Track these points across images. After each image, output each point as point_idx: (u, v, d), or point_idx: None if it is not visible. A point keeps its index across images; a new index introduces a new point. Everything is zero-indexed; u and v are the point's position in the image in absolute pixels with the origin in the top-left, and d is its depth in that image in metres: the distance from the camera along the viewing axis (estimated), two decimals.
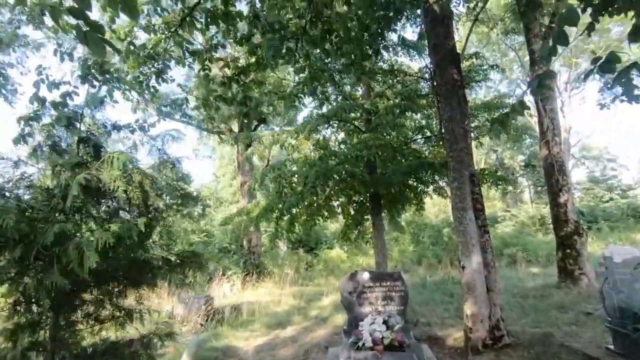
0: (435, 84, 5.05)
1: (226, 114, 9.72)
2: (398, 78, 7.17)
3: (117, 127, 2.95)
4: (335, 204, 8.76)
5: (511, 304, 7.23)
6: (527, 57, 9.60)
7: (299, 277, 14.38)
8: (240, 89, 3.92)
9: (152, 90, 3.82)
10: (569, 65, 24.97)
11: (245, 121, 12.50)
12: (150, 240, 2.89)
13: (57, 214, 1.93)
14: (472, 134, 6.52)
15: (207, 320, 7.58)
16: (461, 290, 5.30)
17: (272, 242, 8.41)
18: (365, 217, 8.58)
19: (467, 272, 4.87)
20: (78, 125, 2.35)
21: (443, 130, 5.18)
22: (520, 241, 16.18)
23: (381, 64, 7.80)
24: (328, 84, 5.58)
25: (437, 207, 37.11)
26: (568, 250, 8.11)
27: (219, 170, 34.55)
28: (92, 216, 2.36)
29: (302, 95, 4.82)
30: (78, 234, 1.94)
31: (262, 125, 14.66)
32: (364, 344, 4.23)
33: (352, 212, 8.58)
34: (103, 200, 2.41)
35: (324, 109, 6.77)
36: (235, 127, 14.75)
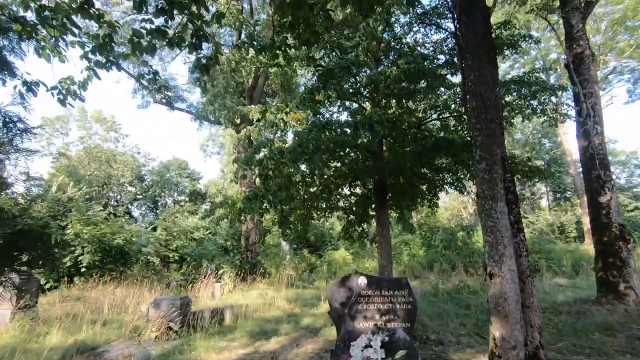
0: (459, 34, 3.89)
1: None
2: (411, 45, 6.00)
3: None
4: (337, 196, 7.64)
5: (542, 322, 5.97)
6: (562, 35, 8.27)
7: (298, 279, 13.28)
8: (187, 20, 2.75)
9: (69, 29, 2.69)
10: (596, 63, 23.35)
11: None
12: None
13: None
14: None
15: (181, 326, 6.53)
16: (487, 304, 4.12)
17: (262, 238, 7.33)
18: (371, 213, 7.43)
19: (497, 282, 3.68)
20: None
21: (468, 97, 4.02)
22: (543, 249, 14.73)
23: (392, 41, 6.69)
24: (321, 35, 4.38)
25: (449, 211, 35.66)
26: (611, 260, 6.80)
27: (227, 166, 33.85)
28: None
29: (286, 48, 3.68)
30: None
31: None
32: None
33: (354, 207, 7.45)
34: None
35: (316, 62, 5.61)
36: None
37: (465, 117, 5.76)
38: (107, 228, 15.73)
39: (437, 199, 7.92)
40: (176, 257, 17.39)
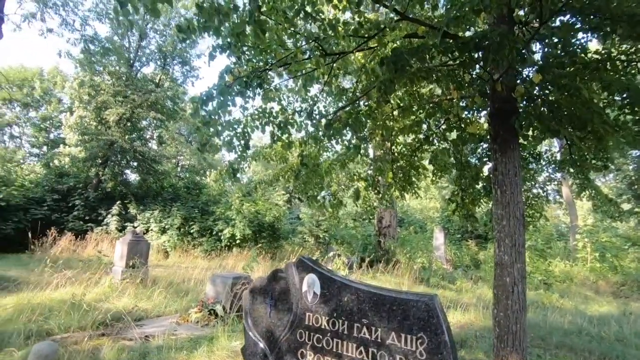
0: None
1: None
2: None
3: None
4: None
5: None
6: None
7: (441, 275, 10.30)
8: None
9: None
10: None
11: None
12: None
13: None
14: None
15: (230, 311, 5.34)
16: None
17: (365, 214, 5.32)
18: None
19: None
20: None
21: None
22: None
23: None
24: None
25: None
26: None
27: None
28: None
29: None
30: None
31: None
32: None
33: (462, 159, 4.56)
34: None
35: None
36: None
37: None
38: (261, 206, 16.86)
39: None
40: (326, 237, 17.26)
